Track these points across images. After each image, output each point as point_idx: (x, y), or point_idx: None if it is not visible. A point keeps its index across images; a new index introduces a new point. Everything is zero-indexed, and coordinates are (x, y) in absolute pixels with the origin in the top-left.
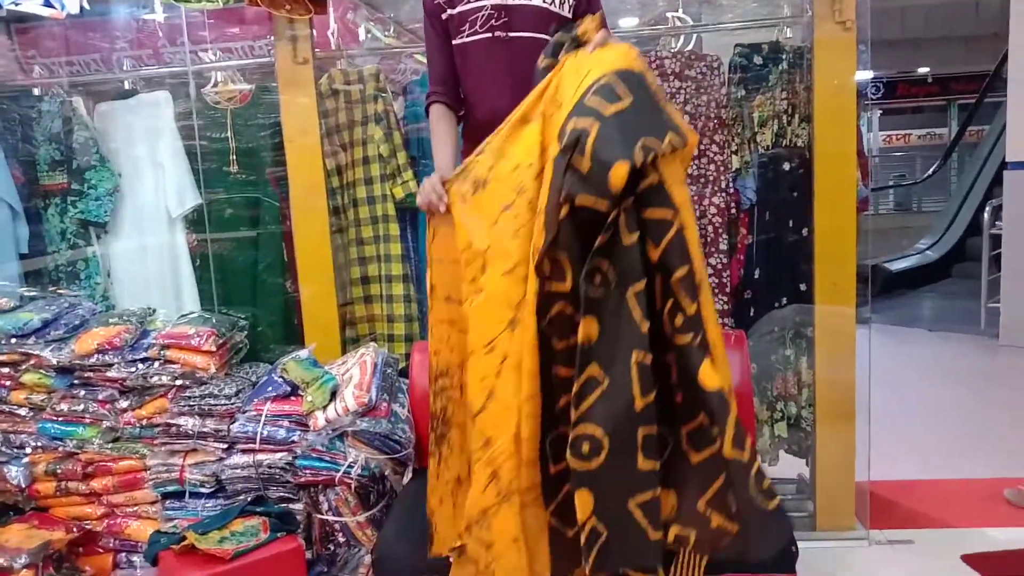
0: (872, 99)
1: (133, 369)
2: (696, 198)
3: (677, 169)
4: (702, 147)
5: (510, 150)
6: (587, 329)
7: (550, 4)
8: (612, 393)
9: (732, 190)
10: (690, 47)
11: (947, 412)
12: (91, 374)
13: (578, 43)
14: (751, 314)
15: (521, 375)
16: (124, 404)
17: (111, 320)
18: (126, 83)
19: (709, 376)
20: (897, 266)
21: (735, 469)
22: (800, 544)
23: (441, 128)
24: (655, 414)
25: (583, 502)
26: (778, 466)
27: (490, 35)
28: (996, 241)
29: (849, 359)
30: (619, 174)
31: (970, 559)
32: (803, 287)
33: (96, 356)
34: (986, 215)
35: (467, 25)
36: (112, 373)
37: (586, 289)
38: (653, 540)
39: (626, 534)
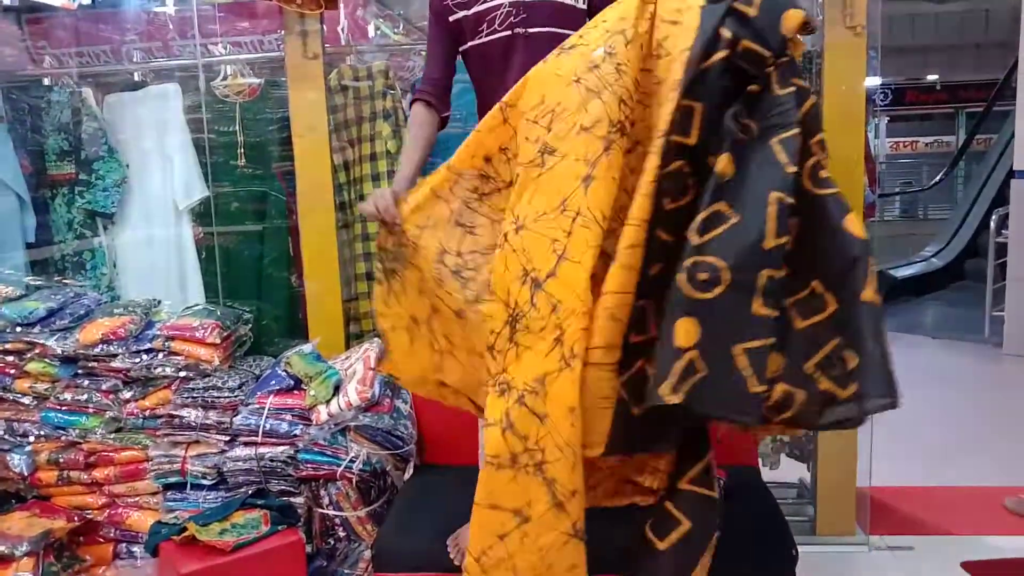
0: (880, 105)
1: (137, 360)
2: None
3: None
4: None
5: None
6: (722, 165)
7: None
8: (741, 228)
9: None
10: None
11: (949, 419)
12: (95, 364)
13: None
14: None
15: (591, 233)
16: (127, 395)
17: (116, 311)
18: (135, 75)
19: (855, 224)
20: (902, 273)
21: (875, 314)
22: (800, 548)
23: (414, 134)
24: (782, 259)
25: (687, 331)
26: (779, 470)
27: (509, 32)
28: (1002, 249)
29: None
30: (795, 19)
31: (970, 566)
32: None
33: (100, 346)
34: (992, 223)
35: (485, 25)
36: (116, 363)
37: (729, 127)
38: (753, 392)
39: (727, 378)
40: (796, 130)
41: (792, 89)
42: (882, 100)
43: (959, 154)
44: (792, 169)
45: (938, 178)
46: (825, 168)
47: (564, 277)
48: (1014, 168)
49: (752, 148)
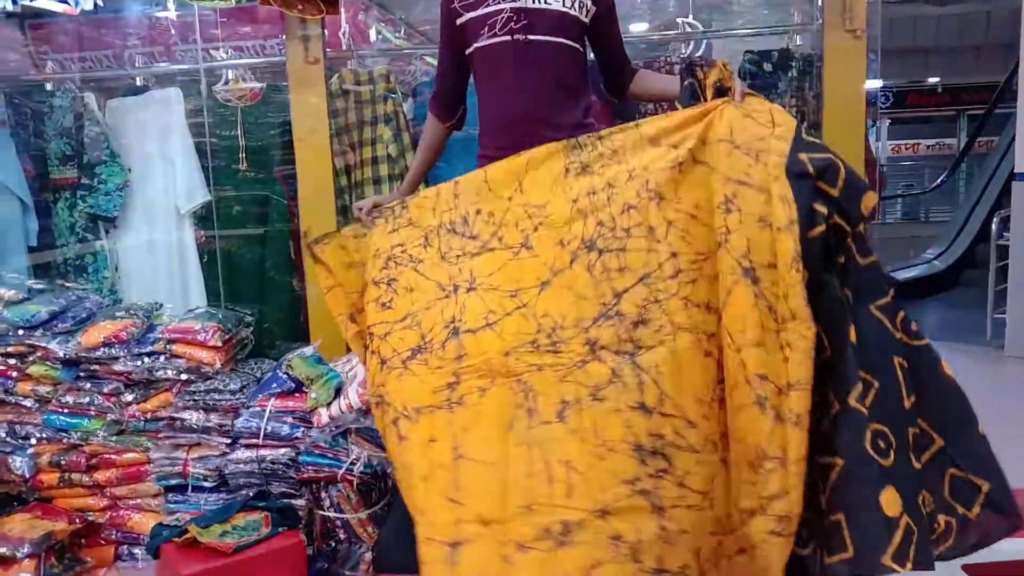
0: (882, 108)
1: (139, 363)
2: None
3: None
4: None
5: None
6: (852, 335)
7: (569, 8)
8: (886, 394)
9: None
10: (700, 53)
11: None
12: (97, 367)
13: (720, 90)
14: None
15: (526, 323)
16: (129, 397)
17: (118, 314)
18: (138, 79)
19: (947, 369)
20: (904, 275)
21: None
22: (799, 552)
23: (423, 143)
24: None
25: (891, 500)
26: None
27: (509, 38)
28: (1003, 252)
29: None
30: (872, 200)
31: (971, 569)
32: None
33: (102, 349)
34: (994, 226)
35: (486, 28)
36: (118, 366)
37: (837, 295)
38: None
39: (923, 528)
40: (889, 296)
41: (875, 258)
42: (883, 103)
43: (960, 156)
44: (899, 335)
45: (939, 180)
46: (911, 320)
47: (483, 339)
48: (1015, 171)
49: (856, 314)
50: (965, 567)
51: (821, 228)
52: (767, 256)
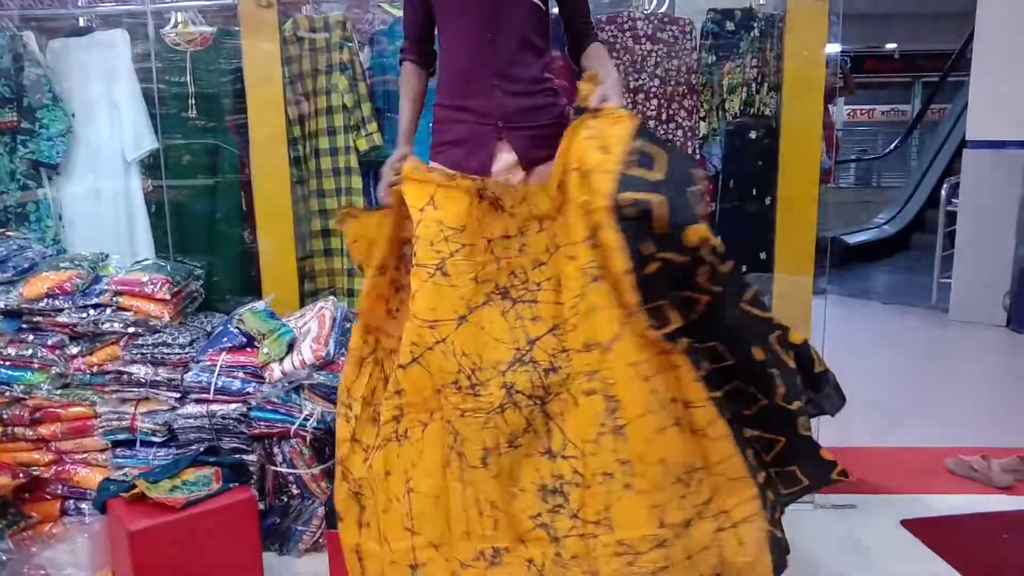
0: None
1: (84, 315)
2: None
3: None
4: (670, 112)
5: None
6: (756, 354)
7: None
8: (787, 376)
9: (699, 157)
10: (663, 9)
11: (896, 383)
12: (40, 319)
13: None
14: None
15: (446, 361)
16: (74, 350)
17: (62, 264)
18: (81, 20)
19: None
20: (854, 239)
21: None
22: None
23: (405, 90)
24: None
25: (826, 454)
26: None
27: None
28: (952, 218)
29: (804, 328)
30: (694, 235)
31: (909, 524)
32: (763, 255)
33: (46, 300)
34: (944, 192)
35: None
36: (62, 318)
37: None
38: None
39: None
40: (752, 290)
41: (731, 264)
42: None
43: (914, 123)
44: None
45: (892, 146)
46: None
47: (413, 375)
48: (966, 138)
49: (733, 316)
50: (904, 522)
51: (655, 266)
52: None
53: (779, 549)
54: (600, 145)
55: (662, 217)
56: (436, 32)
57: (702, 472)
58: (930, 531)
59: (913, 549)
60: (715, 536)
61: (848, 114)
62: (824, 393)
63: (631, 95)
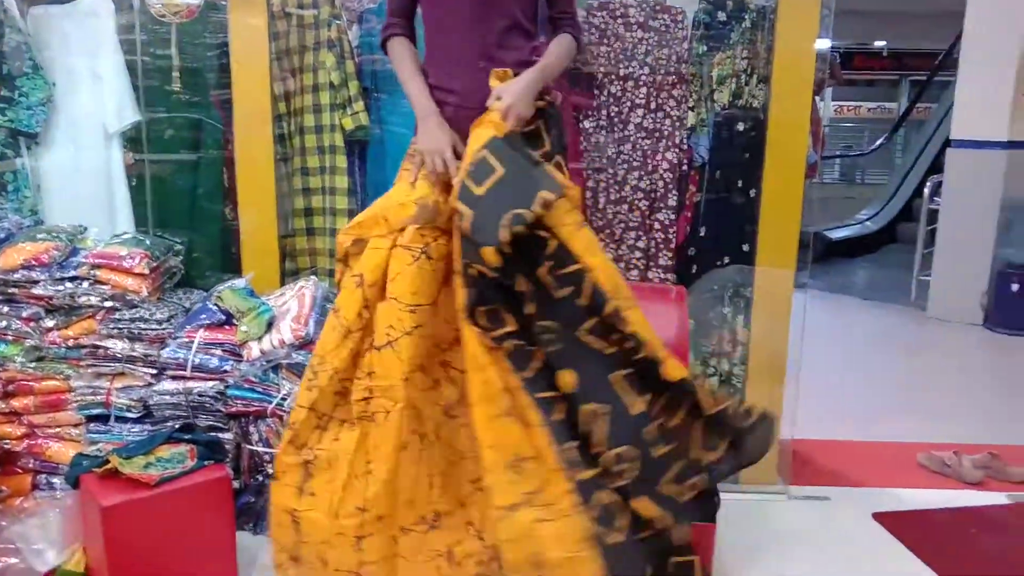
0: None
1: (60, 288)
2: (649, 153)
3: (571, 217)
4: (659, 101)
5: None
6: (564, 379)
7: None
8: (616, 415)
9: (686, 147)
10: None
11: (872, 378)
12: (15, 290)
13: None
14: (693, 271)
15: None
16: (50, 323)
17: (39, 235)
18: None
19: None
20: (836, 234)
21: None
22: (722, 496)
23: (407, 63)
24: (659, 413)
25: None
26: None
27: None
28: (933, 216)
29: (784, 321)
30: (488, 255)
31: (880, 517)
32: (746, 248)
33: (21, 272)
34: (926, 190)
35: None
36: (38, 290)
37: (546, 346)
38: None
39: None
40: (592, 320)
41: (569, 291)
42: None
43: (899, 121)
44: (610, 351)
45: (877, 143)
46: (623, 332)
47: (386, 359)
48: (951, 137)
49: (569, 345)
50: (876, 515)
51: (475, 271)
52: None
53: (613, 555)
54: (469, 148)
55: (465, 231)
56: (419, 10)
57: (532, 462)
58: (901, 524)
59: (883, 542)
60: (533, 526)
61: (835, 110)
62: (728, 428)
63: (621, 82)
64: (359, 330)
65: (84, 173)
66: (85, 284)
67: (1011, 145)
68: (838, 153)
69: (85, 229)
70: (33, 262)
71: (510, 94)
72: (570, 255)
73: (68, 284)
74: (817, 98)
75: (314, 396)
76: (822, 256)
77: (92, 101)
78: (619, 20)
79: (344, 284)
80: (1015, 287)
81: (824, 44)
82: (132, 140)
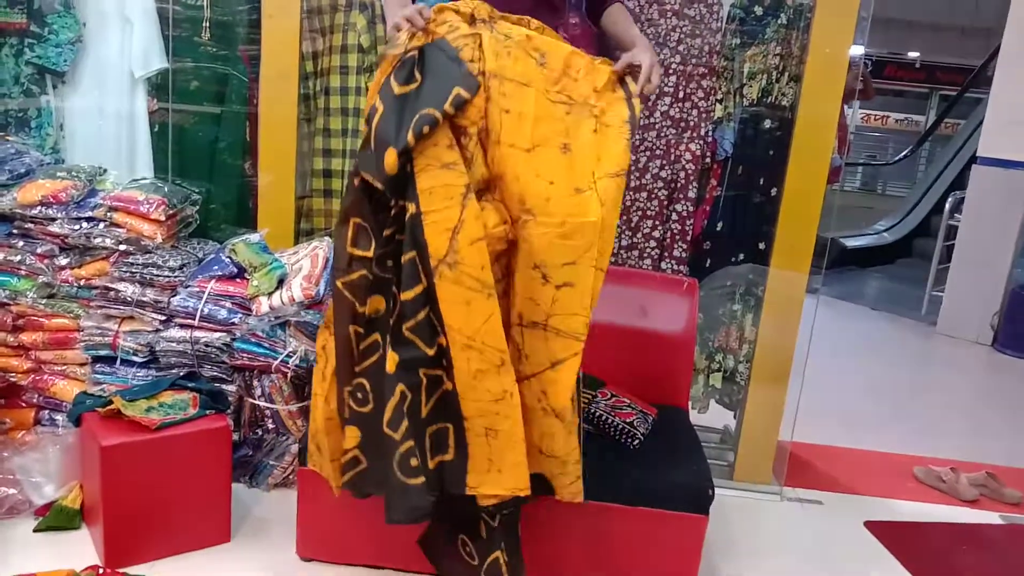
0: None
1: (77, 227)
2: (673, 142)
3: (438, 152)
4: (688, 91)
5: None
6: (375, 303)
7: None
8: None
9: (710, 139)
10: None
11: (875, 388)
12: (32, 226)
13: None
14: (707, 265)
15: None
16: (63, 261)
17: (59, 174)
18: None
19: (390, 361)
20: (852, 243)
21: (386, 444)
22: (716, 490)
23: None
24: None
25: (351, 435)
26: (707, 415)
27: None
28: (951, 232)
29: (793, 324)
30: (389, 157)
31: (871, 525)
32: (762, 246)
33: (39, 208)
34: (947, 206)
35: None
36: (54, 228)
37: (378, 270)
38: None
39: (381, 467)
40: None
41: (410, 293)
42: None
43: (927, 133)
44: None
45: (902, 155)
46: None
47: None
48: (977, 154)
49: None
50: (867, 523)
51: (357, 180)
52: None
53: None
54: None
55: (371, 131)
56: None
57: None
58: (892, 535)
59: (873, 550)
60: None
61: (862, 118)
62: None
63: None
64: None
65: (107, 116)
66: (101, 226)
67: None
68: (861, 161)
69: (105, 171)
70: (51, 199)
71: (651, 56)
72: (413, 189)
73: (84, 224)
74: (846, 105)
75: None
76: (836, 263)
77: (120, 45)
78: (654, 6)
79: None
80: None
81: (858, 50)
82: (158, 88)
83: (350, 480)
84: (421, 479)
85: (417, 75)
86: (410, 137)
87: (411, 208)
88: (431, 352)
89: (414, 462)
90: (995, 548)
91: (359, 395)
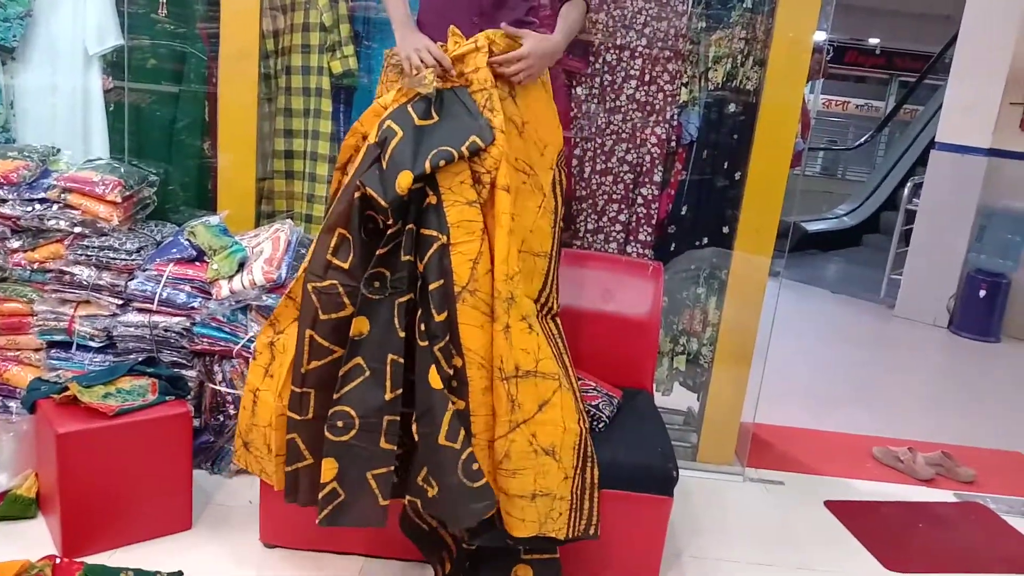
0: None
1: (29, 209)
2: (639, 126)
3: (464, 189)
4: (654, 74)
5: None
6: (359, 326)
7: None
8: (371, 384)
9: (676, 123)
10: None
11: (835, 370)
12: None
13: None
14: (672, 249)
15: None
16: (15, 244)
17: (9, 153)
18: None
19: (434, 378)
20: (813, 227)
21: (446, 455)
22: (679, 472)
23: None
24: (400, 406)
25: (328, 468)
26: (671, 397)
27: None
28: (910, 217)
29: (756, 307)
30: (402, 179)
31: (831, 505)
32: (725, 230)
33: None
34: (906, 191)
35: None
36: (5, 210)
37: (366, 291)
38: (382, 505)
39: (361, 498)
40: (408, 295)
41: (411, 256)
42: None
43: (886, 119)
44: (402, 334)
45: (862, 140)
46: (432, 318)
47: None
48: (936, 139)
49: (385, 306)
50: (827, 503)
51: (358, 193)
52: None
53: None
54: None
55: (386, 153)
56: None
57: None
58: (850, 513)
59: (832, 528)
60: None
61: (823, 104)
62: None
63: (617, 51)
64: None
65: (61, 94)
66: (54, 207)
67: (992, 153)
68: (822, 146)
69: (58, 151)
70: (2, 180)
71: (537, 54)
72: (443, 219)
73: (37, 206)
74: (806, 89)
75: (293, 283)
76: (797, 247)
77: (73, 21)
78: None
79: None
80: (982, 293)
81: (820, 35)
82: (113, 65)
83: (328, 515)
84: (484, 479)
85: (434, 114)
86: (427, 166)
87: (442, 239)
88: (450, 372)
89: (475, 466)
90: (949, 524)
91: (339, 423)
